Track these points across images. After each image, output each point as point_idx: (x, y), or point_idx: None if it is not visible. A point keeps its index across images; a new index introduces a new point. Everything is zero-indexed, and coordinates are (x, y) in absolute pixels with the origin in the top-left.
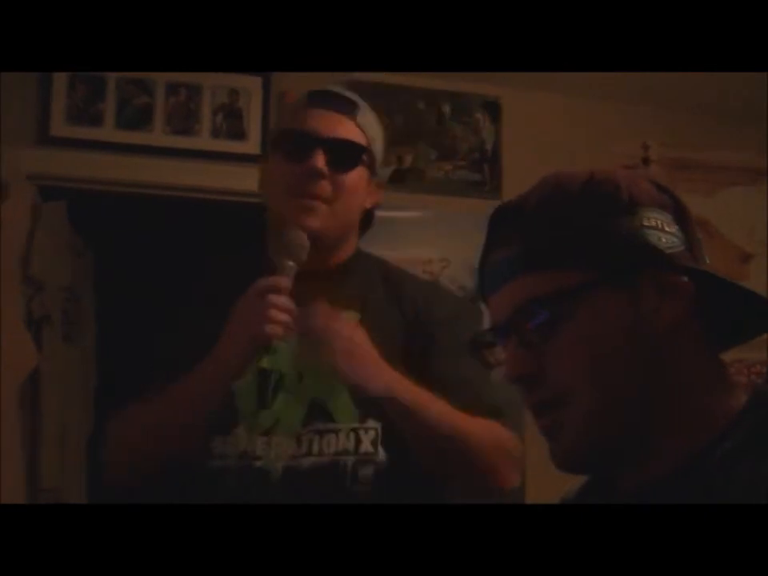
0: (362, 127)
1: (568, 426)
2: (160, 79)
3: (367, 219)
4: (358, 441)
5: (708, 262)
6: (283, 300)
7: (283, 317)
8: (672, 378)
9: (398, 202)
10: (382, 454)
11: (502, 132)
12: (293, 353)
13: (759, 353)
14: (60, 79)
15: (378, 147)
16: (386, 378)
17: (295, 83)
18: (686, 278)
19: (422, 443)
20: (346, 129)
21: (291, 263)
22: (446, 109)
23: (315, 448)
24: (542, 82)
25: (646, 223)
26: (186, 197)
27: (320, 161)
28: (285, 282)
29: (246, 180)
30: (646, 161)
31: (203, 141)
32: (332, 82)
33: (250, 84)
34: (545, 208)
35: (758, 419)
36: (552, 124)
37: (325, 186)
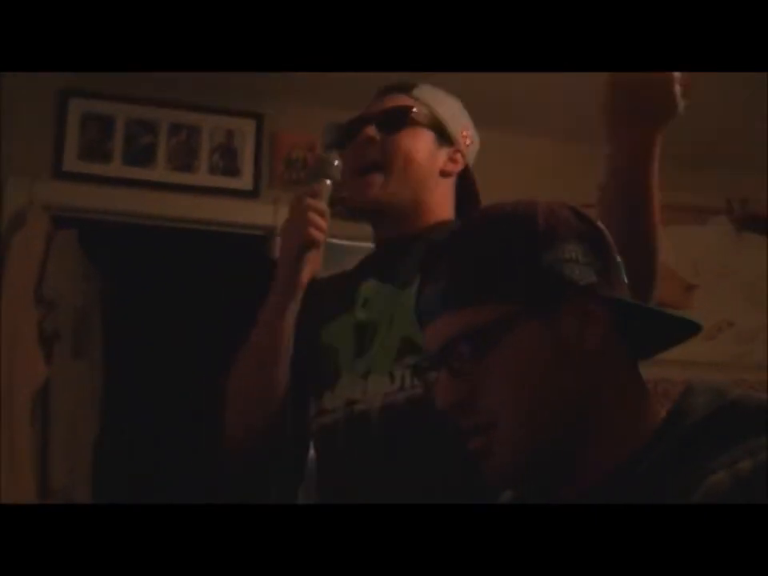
0: (417, 97)
1: (497, 448)
2: (163, 120)
3: (467, 187)
4: None
5: (626, 281)
6: (319, 204)
7: (321, 221)
8: (595, 398)
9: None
10: None
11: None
12: (385, 302)
13: (679, 371)
14: (73, 119)
15: (446, 112)
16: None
17: (286, 124)
18: (600, 307)
19: None
20: (396, 101)
21: (327, 181)
22: None
23: (408, 382)
24: (506, 124)
25: (562, 256)
26: (185, 228)
27: (370, 130)
28: (321, 188)
29: (239, 213)
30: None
31: (201, 177)
32: (320, 121)
33: (244, 125)
34: (469, 244)
35: (677, 432)
36: (515, 162)
37: (375, 152)
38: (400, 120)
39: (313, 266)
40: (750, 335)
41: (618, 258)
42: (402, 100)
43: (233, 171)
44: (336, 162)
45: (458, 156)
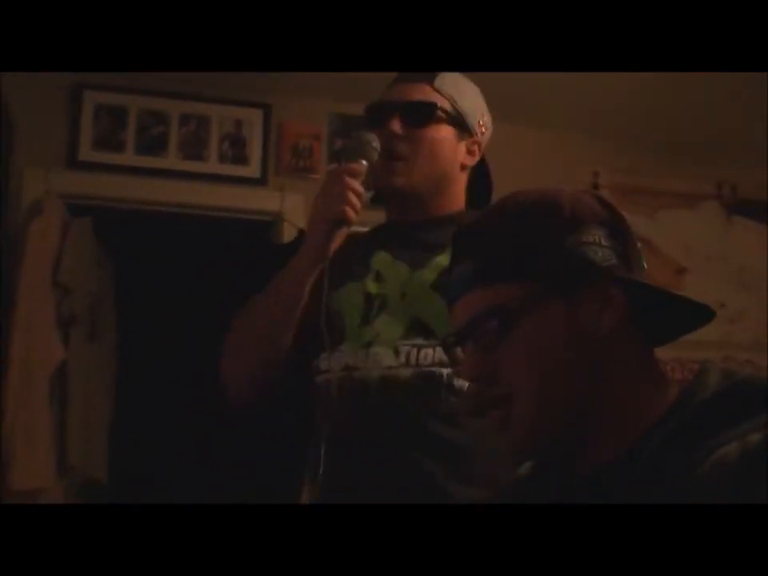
0: (439, 89)
1: (515, 421)
2: (174, 111)
3: (482, 177)
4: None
5: (646, 267)
6: (357, 185)
7: (357, 202)
8: (611, 376)
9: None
10: None
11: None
12: (398, 279)
13: (692, 352)
14: (87, 111)
15: (471, 109)
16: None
17: (292, 114)
18: (619, 288)
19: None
20: (420, 92)
21: (364, 162)
22: None
23: (413, 359)
24: (508, 115)
25: (585, 239)
26: (195, 214)
27: (395, 124)
28: (360, 168)
29: (247, 200)
30: (595, 186)
31: (211, 165)
32: (330, 113)
33: (252, 115)
34: (498, 227)
35: (689, 409)
36: (517, 153)
37: (403, 146)
38: (425, 115)
39: (337, 243)
40: (737, 316)
41: (639, 244)
42: (425, 92)
43: (241, 160)
44: (375, 144)
45: (476, 147)
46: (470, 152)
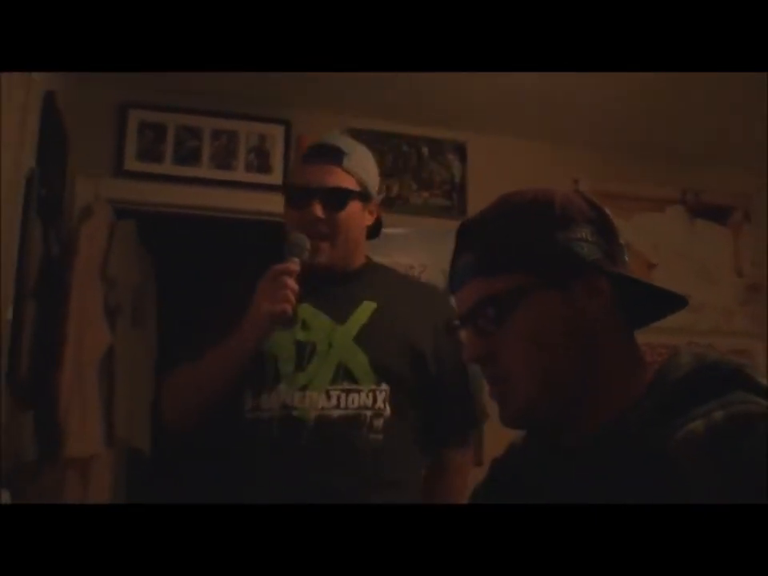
0: (349, 171)
1: (513, 396)
2: (207, 127)
3: (375, 230)
4: (374, 399)
5: (627, 260)
6: (294, 283)
7: (294, 298)
8: (599, 357)
9: (388, 222)
10: (388, 409)
11: (467, 168)
12: (323, 329)
13: (661, 337)
14: (132, 127)
15: (370, 178)
16: None
17: (309, 129)
18: (605, 279)
19: None
20: (335, 177)
21: (295, 259)
22: (425, 150)
23: (342, 403)
24: (498, 129)
25: (574, 236)
26: (225, 217)
27: (317, 209)
28: (295, 267)
29: (270, 204)
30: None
31: (239, 174)
32: (337, 127)
33: (274, 130)
34: (496, 223)
35: (662, 388)
36: (505, 161)
37: (323, 227)
38: (342, 200)
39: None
40: (700, 306)
41: (622, 241)
42: (338, 176)
43: (265, 169)
44: (306, 245)
45: (375, 208)
46: (370, 213)
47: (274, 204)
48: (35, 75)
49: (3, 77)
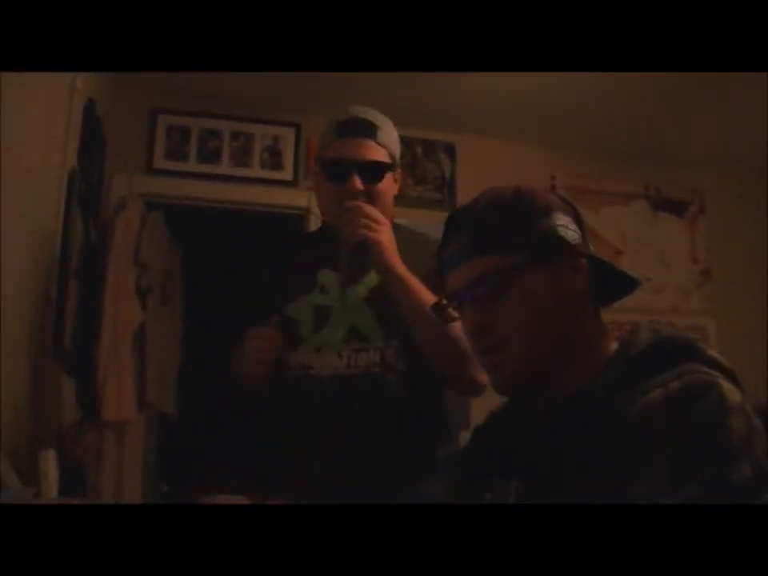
0: (383, 144)
1: (507, 362)
2: (226, 129)
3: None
4: (383, 356)
5: (592, 249)
6: (263, 343)
7: (264, 356)
8: (574, 329)
9: None
10: (401, 363)
11: (456, 166)
12: (340, 291)
13: (625, 315)
14: (161, 130)
15: (397, 150)
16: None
17: (317, 131)
18: (584, 261)
19: (420, 326)
20: (371, 151)
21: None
22: (419, 150)
23: (353, 362)
24: (485, 131)
25: (557, 222)
26: (242, 209)
27: (357, 182)
28: (274, 332)
29: (283, 197)
30: (553, 187)
31: (254, 171)
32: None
33: (286, 132)
34: (487, 210)
35: (623, 360)
36: (490, 160)
37: (363, 199)
38: (379, 174)
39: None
40: (660, 288)
41: (588, 232)
42: (374, 150)
43: (278, 166)
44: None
45: (399, 175)
46: (396, 180)
47: (286, 198)
48: (78, 84)
49: (50, 87)
